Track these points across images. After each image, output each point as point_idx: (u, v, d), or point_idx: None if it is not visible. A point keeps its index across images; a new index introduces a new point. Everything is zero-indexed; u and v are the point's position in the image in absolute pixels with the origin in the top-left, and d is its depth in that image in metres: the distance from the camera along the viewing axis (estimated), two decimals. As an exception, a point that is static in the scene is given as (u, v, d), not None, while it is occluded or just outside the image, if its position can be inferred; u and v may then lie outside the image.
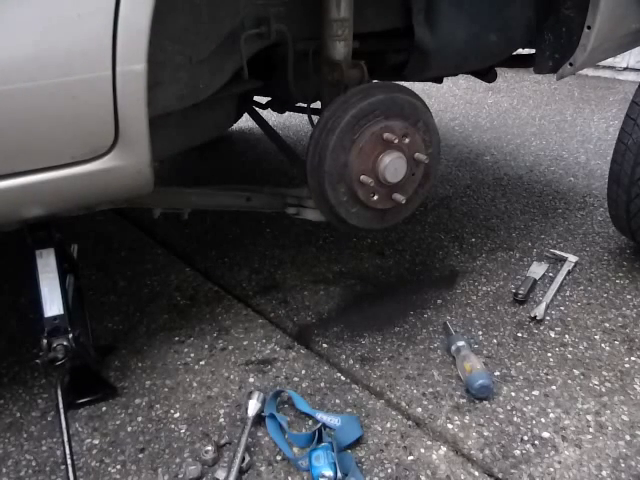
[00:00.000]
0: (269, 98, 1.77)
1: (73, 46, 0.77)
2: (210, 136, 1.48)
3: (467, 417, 1.15)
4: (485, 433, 1.11)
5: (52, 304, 1.05)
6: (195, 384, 1.25)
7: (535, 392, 1.22)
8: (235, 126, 2.86)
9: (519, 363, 1.30)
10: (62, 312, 1.05)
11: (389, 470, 1.04)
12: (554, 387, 1.23)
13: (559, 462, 1.05)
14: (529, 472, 1.03)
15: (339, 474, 0.99)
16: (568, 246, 1.81)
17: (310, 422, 1.15)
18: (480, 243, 1.84)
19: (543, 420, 1.14)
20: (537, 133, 2.93)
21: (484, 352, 1.34)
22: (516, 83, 3.98)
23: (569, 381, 1.25)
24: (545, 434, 1.11)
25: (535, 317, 1.44)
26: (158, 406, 1.19)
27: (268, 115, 2.12)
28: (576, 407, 1.18)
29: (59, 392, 1.04)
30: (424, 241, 1.86)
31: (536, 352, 1.34)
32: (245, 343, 1.38)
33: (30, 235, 1.09)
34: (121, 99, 0.82)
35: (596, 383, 1.24)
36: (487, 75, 1.75)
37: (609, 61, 3.84)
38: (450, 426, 1.13)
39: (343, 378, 1.27)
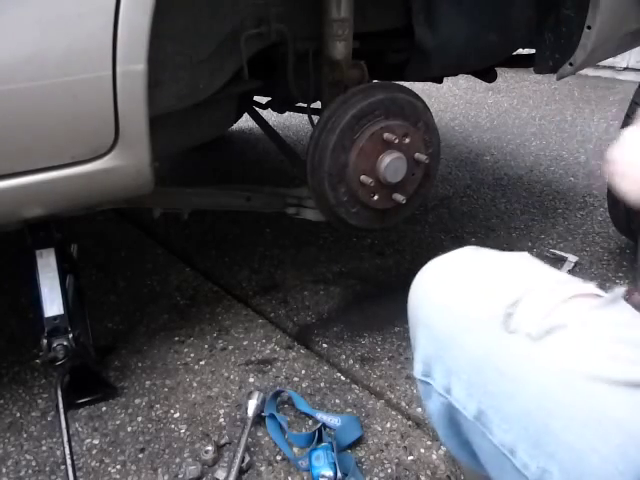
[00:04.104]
0: (269, 98, 1.77)
1: (73, 46, 0.77)
2: (210, 136, 1.48)
3: (467, 417, 1.15)
4: (485, 433, 1.11)
5: (52, 304, 1.05)
6: (195, 384, 1.25)
7: (535, 392, 1.22)
8: (235, 126, 2.86)
9: (519, 363, 1.30)
10: (62, 312, 1.05)
11: (389, 470, 1.04)
12: (554, 387, 1.23)
13: (559, 462, 1.05)
14: (529, 472, 1.03)
15: (339, 474, 0.99)
16: (568, 246, 1.81)
17: (310, 422, 1.15)
18: (480, 243, 1.83)
19: (543, 420, 1.14)
20: (537, 133, 2.93)
21: (484, 352, 1.33)
22: (516, 83, 3.98)
23: (569, 381, 1.25)
24: (545, 434, 1.11)
25: (535, 317, 1.44)
26: (158, 406, 1.19)
27: (268, 115, 2.12)
28: (576, 407, 1.18)
29: (59, 392, 1.04)
30: (424, 241, 1.86)
31: (536, 352, 1.34)
32: (245, 343, 1.38)
33: (30, 235, 1.09)
34: (121, 99, 0.82)
35: (596, 383, 1.24)
36: (487, 75, 1.75)
37: (609, 61, 3.84)
38: (450, 426, 1.13)
39: (343, 378, 1.27)
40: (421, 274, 0.68)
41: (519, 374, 0.52)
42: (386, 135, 1.13)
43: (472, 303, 0.58)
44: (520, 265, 0.61)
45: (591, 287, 0.55)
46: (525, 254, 0.63)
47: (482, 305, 0.57)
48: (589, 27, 1.27)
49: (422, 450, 1.08)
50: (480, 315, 0.57)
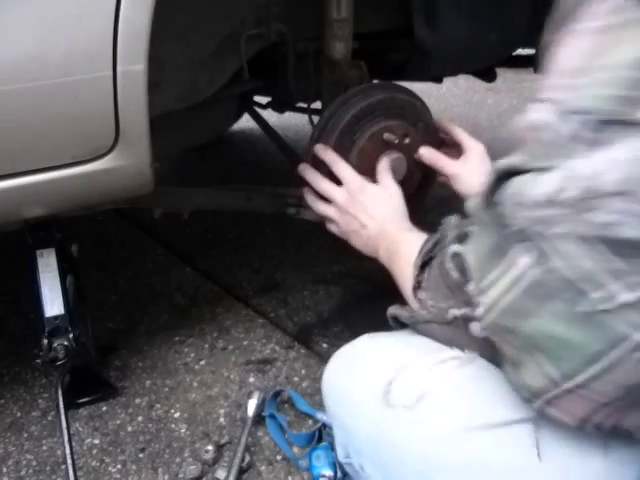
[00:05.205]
0: (269, 98, 1.77)
1: (74, 46, 0.77)
2: (210, 136, 1.48)
3: (467, 417, 1.15)
4: (485, 433, 1.11)
5: (53, 304, 1.05)
6: (195, 384, 1.25)
7: (535, 392, 1.22)
8: (235, 126, 2.86)
9: (519, 363, 1.30)
10: (63, 312, 1.05)
11: (389, 470, 1.04)
12: (554, 387, 1.23)
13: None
14: (529, 472, 1.03)
15: (339, 474, 0.99)
16: (568, 246, 1.81)
17: (310, 422, 1.15)
18: (480, 243, 1.83)
19: (543, 420, 1.14)
20: (537, 133, 2.93)
21: (484, 352, 1.34)
22: (516, 83, 3.98)
23: (569, 381, 1.25)
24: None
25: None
26: (158, 406, 1.20)
27: (268, 115, 2.12)
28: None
29: (59, 392, 1.04)
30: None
31: (536, 352, 1.34)
32: (245, 343, 1.38)
33: (31, 235, 1.09)
34: (121, 99, 0.82)
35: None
36: (487, 75, 1.75)
37: (609, 61, 3.84)
38: (450, 426, 1.13)
39: (343, 378, 1.27)
40: (326, 367, 0.80)
41: (404, 441, 0.60)
42: (386, 135, 1.13)
43: (359, 389, 0.68)
44: (396, 346, 0.72)
45: (454, 352, 0.64)
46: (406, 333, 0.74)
47: (366, 389, 0.67)
48: (589, 27, 1.27)
49: (422, 450, 1.08)
50: (366, 398, 0.66)
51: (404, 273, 0.79)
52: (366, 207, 0.98)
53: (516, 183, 0.45)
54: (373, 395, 0.64)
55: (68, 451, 0.98)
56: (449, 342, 0.65)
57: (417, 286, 0.71)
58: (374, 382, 0.66)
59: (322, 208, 1.04)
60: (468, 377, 0.61)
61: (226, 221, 1.99)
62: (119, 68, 0.80)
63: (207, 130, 1.34)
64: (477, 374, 0.60)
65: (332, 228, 1.04)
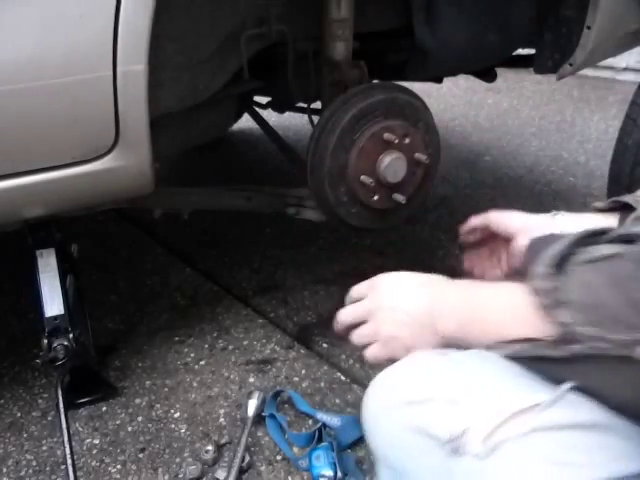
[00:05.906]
0: (269, 98, 1.77)
1: (74, 47, 0.77)
2: (210, 136, 1.48)
3: (467, 417, 1.15)
4: (485, 433, 1.11)
5: (52, 304, 1.05)
6: (195, 384, 1.25)
7: (535, 392, 1.22)
8: (235, 126, 2.86)
9: (519, 363, 1.30)
10: (62, 312, 1.05)
11: (389, 470, 1.04)
12: (554, 387, 1.23)
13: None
14: (529, 472, 1.03)
15: (339, 474, 0.99)
16: (568, 246, 1.80)
17: (310, 422, 1.15)
18: (480, 243, 1.84)
19: (543, 420, 1.14)
20: (537, 133, 2.93)
21: (484, 352, 1.33)
22: (516, 83, 3.98)
23: (569, 381, 1.25)
24: (545, 434, 1.11)
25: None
26: (158, 406, 1.20)
27: (268, 115, 2.12)
28: (576, 407, 1.18)
29: (59, 392, 1.04)
30: (424, 241, 1.86)
31: (536, 352, 1.34)
32: (245, 343, 1.38)
33: (31, 235, 1.09)
34: (122, 99, 0.82)
35: (596, 383, 1.24)
36: (487, 75, 1.75)
37: (609, 61, 3.84)
38: (450, 426, 1.13)
39: (343, 378, 1.27)
40: (369, 395, 0.68)
41: None
42: (386, 135, 1.13)
43: (420, 433, 0.59)
44: (463, 380, 0.60)
45: (539, 397, 0.54)
46: (474, 353, 0.61)
47: (430, 434, 0.58)
48: (589, 27, 1.27)
49: (422, 450, 1.08)
50: (428, 445, 0.57)
51: (509, 326, 0.59)
52: (394, 304, 0.75)
53: None
54: (438, 442, 0.56)
55: (68, 451, 0.98)
56: (633, 391, 0.52)
57: (553, 304, 0.52)
58: (440, 427, 0.57)
59: (357, 339, 0.81)
60: (555, 424, 0.52)
61: (226, 221, 1.99)
62: (119, 68, 0.80)
63: (207, 130, 1.34)
64: (565, 420, 0.52)
65: (375, 355, 0.80)
